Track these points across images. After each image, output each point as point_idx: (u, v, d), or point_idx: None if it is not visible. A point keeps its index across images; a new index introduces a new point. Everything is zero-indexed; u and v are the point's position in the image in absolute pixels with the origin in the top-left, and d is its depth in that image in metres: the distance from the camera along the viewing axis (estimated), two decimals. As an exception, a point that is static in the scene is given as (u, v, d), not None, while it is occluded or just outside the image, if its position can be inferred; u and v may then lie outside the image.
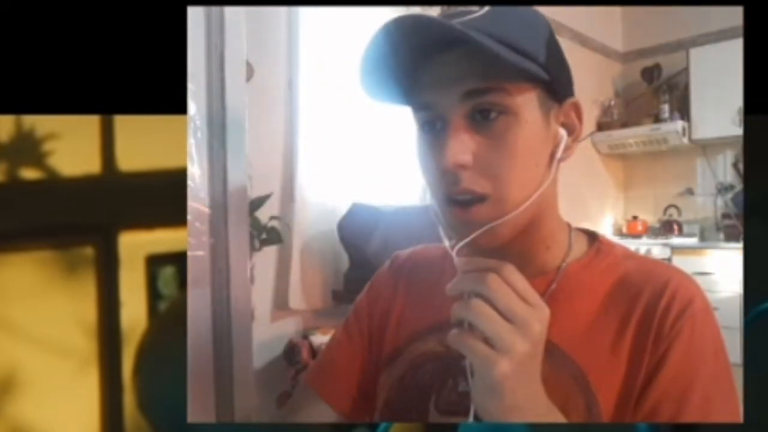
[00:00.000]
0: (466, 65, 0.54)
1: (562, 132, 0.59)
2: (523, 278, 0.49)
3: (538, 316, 0.48)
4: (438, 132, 0.57)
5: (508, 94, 0.54)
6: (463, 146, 0.54)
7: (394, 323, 0.70)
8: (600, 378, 0.56)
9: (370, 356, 0.72)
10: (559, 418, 0.52)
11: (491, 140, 0.55)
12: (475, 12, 0.55)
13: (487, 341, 0.46)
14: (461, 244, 0.55)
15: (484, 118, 0.55)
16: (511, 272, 0.49)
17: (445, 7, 0.58)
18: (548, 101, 0.58)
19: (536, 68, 0.55)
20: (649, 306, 0.58)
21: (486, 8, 0.55)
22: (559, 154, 0.59)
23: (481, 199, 0.55)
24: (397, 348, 0.68)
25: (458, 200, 0.56)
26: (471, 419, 0.52)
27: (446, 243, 0.56)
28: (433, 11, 2.98)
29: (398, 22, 0.53)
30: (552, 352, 0.56)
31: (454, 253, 0.54)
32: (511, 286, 0.48)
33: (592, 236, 0.68)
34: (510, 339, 0.46)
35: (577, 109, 0.61)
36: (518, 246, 0.59)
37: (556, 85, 0.58)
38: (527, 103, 0.56)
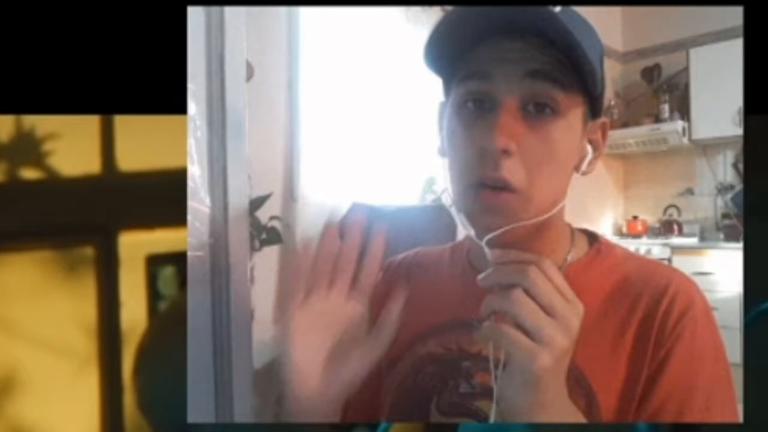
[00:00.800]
0: (535, 48, 0.53)
1: (589, 148, 0.60)
2: (560, 273, 0.49)
3: (575, 312, 0.48)
4: (486, 111, 0.55)
5: (565, 93, 0.54)
6: (512, 132, 0.53)
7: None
8: (600, 380, 0.56)
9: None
10: (579, 418, 0.52)
11: (538, 135, 0.54)
12: (553, 8, 0.54)
13: (527, 334, 0.46)
14: (493, 235, 0.53)
15: (537, 111, 0.54)
16: (550, 266, 0.48)
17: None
18: (587, 116, 0.59)
19: (595, 81, 0.55)
20: (649, 309, 0.58)
21: (558, 9, 0.54)
22: (583, 168, 0.60)
23: (510, 190, 0.54)
24: (399, 352, 0.68)
25: (489, 187, 0.54)
26: (492, 417, 0.51)
27: (471, 233, 0.55)
28: (433, 11, 2.99)
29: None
30: None
31: (483, 243, 0.53)
32: (551, 280, 0.48)
33: (592, 237, 0.68)
34: (552, 332, 0.46)
35: (605, 129, 0.62)
36: (528, 247, 0.59)
37: (596, 103, 0.59)
38: (576, 111, 0.56)
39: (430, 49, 0.57)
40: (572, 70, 0.53)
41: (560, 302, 0.47)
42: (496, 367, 0.50)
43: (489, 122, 0.54)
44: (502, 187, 0.54)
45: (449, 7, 0.57)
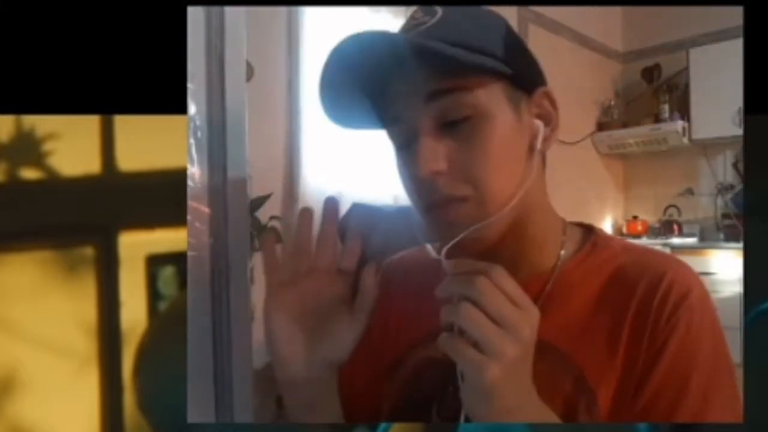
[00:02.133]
0: (426, 71, 0.54)
1: (538, 123, 0.59)
2: (512, 280, 0.49)
3: (527, 319, 0.48)
4: (410, 144, 0.56)
5: (471, 92, 0.54)
6: (434, 153, 0.54)
7: (392, 332, 0.70)
8: (598, 375, 0.56)
9: (371, 365, 0.71)
10: (552, 417, 0.52)
11: (462, 143, 0.55)
12: (428, 21, 0.55)
13: (476, 345, 0.46)
14: (448, 246, 0.54)
15: (452, 123, 0.55)
16: (501, 274, 0.49)
17: (403, 22, 0.60)
18: (516, 94, 0.57)
19: (494, 62, 0.54)
20: (644, 300, 0.57)
21: (438, 15, 0.56)
22: (538, 146, 0.58)
23: (461, 199, 0.55)
24: (398, 356, 0.68)
25: (440, 205, 0.55)
26: (462, 421, 0.52)
27: (428, 247, 0.56)
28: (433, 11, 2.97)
29: (353, 41, 0.54)
30: (550, 352, 0.56)
31: (442, 256, 0.53)
32: (501, 288, 0.48)
33: (587, 230, 0.67)
34: (500, 343, 0.46)
35: (549, 97, 0.61)
36: (508, 247, 0.59)
37: (521, 77, 0.57)
38: (492, 99, 0.55)
39: (334, 107, 0.61)
40: (463, 70, 0.53)
41: (510, 311, 0.47)
42: (463, 378, 0.50)
43: (413, 152, 0.55)
44: (453, 202, 0.55)
45: (407, 22, 0.59)
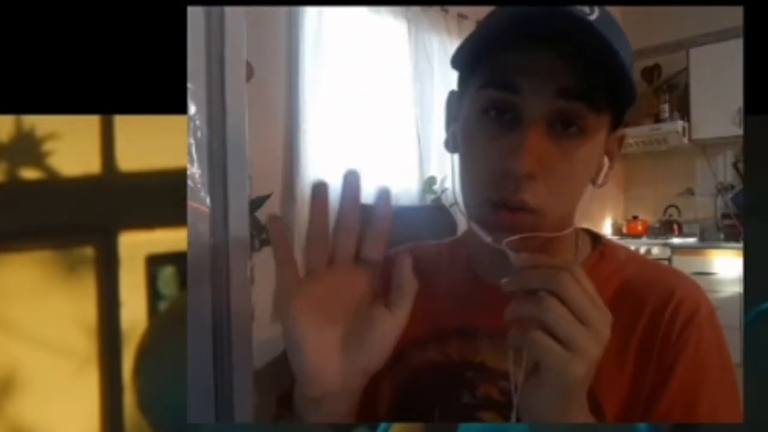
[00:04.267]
0: (570, 63, 0.50)
1: (606, 160, 0.59)
2: (590, 280, 0.47)
3: (606, 320, 0.47)
4: (510, 125, 0.52)
5: (596, 113, 0.52)
6: (538, 154, 0.51)
7: None
8: (605, 388, 0.56)
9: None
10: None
11: (562, 155, 0.52)
12: (592, 15, 0.51)
13: (560, 342, 0.44)
14: (514, 238, 0.51)
15: (563, 129, 0.52)
16: (581, 272, 0.47)
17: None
18: (610, 129, 0.57)
19: (630, 91, 0.53)
20: (654, 316, 0.57)
21: (597, 14, 0.51)
22: (599, 181, 0.59)
23: (531, 210, 0.52)
24: (396, 354, 0.67)
25: (506, 206, 0.52)
26: (514, 420, 0.50)
27: (488, 240, 0.53)
28: (433, 11, 2.98)
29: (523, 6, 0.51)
30: None
31: (504, 245, 0.51)
32: (583, 286, 0.46)
33: (595, 238, 0.67)
34: (586, 342, 0.44)
35: (622, 140, 0.61)
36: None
37: (622, 115, 0.57)
38: (600, 125, 0.54)
39: (464, 50, 0.55)
40: (605, 85, 0.51)
41: (593, 310, 0.46)
42: (535, 371, 0.47)
43: (514, 141, 0.51)
44: (520, 208, 0.52)
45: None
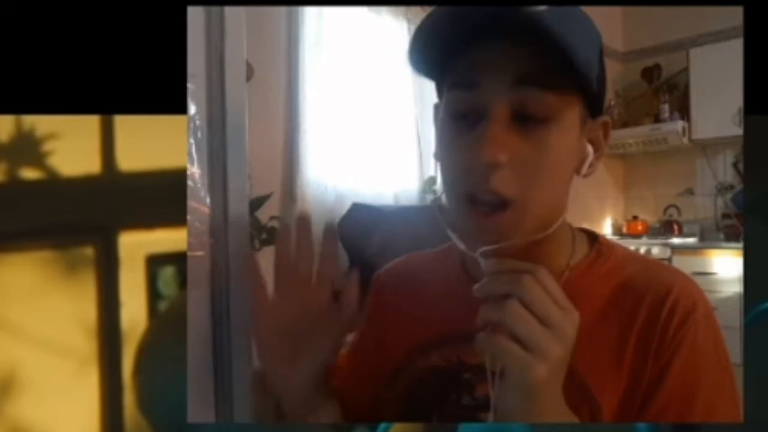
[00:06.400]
0: (524, 51, 0.51)
1: (590, 148, 0.58)
2: (555, 282, 0.49)
3: (571, 321, 0.48)
4: (474, 123, 0.53)
5: (557, 95, 0.52)
6: (502, 143, 0.51)
7: (390, 342, 0.70)
8: (602, 386, 0.56)
9: (370, 377, 0.71)
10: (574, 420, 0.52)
11: (530, 144, 0.52)
12: (537, 8, 0.51)
13: (521, 344, 0.46)
14: (488, 249, 0.53)
15: (529, 118, 0.52)
16: (546, 275, 0.48)
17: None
18: (585, 115, 0.57)
19: (593, 77, 0.53)
20: (651, 313, 0.57)
21: (545, 7, 0.51)
22: (584, 170, 0.58)
23: (504, 205, 0.52)
24: (399, 363, 0.68)
25: (481, 202, 0.53)
26: (491, 420, 0.51)
27: (462, 246, 0.55)
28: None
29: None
30: None
31: (478, 255, 0.52)
32: (546, 288, 0.47)
33: (592, 237, 0.67)
34: (546, 343, 0.46)
35: (606, 128, 0.60)
36: (527, 255, 0.58)
37: (596, 99, 0.57)
38: (570, 112, 0.54)
39: (414, 53, 0.55)
40: (566, 71, 0.50)
41: (556, 312, 0.47)
42: (493, 377, 0.50)
43: (477, 134, 0.52)
44: (494, 202, 0.52)
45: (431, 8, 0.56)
